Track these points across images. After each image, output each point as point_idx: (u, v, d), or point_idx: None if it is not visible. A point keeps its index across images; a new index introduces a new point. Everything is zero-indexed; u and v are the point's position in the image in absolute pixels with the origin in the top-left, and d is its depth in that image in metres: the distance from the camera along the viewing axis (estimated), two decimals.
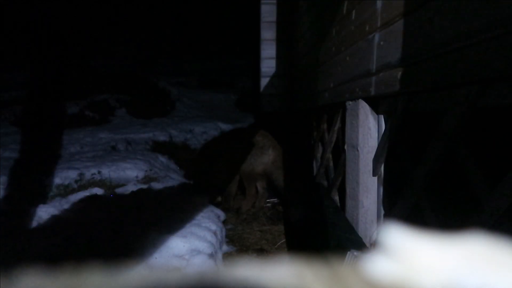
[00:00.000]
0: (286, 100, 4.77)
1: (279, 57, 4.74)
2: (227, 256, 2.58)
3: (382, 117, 1.81)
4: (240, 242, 2.81)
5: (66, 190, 3.44)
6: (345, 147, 2.10)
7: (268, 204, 3.56)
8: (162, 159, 4.48)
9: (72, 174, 3.61)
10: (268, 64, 4.78)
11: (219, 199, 3.47)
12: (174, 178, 3.96)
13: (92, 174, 3.70)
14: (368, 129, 1.85)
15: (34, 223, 2.60)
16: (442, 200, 1.68)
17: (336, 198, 2.46)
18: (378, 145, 1.80)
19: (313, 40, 3.07)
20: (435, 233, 0.25)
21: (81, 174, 3.65)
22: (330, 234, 1.81)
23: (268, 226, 3.11)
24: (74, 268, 0.22)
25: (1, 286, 0.21)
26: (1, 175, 3.42)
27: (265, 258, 2.55)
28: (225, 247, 2.70)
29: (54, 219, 2.65)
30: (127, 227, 2.47)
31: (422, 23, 1.22)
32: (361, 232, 1.83)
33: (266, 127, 4.58)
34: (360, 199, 1.86)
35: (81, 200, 3.11)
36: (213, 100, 7.38)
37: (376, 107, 1.80)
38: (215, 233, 2.56)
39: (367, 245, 1.71)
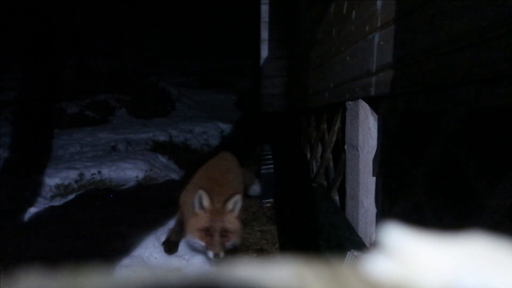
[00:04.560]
0: (286, 100, 4.77)
1: (279, 57, 4.74)
2: (227, 256, 2.57)
3: (382, 117, 1.81)
4: (240, 242, 2.81)
5: (66, 190, 3.44)
6: (345, 147, 2.10)
7: (268, 204, 3.56)
8: (162, 159, 4.48)
9: (72, 174, 3.61)
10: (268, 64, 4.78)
11: None
12: (174, 178, 3.97)
13: (92, 174, 3.70)
14: (368, 129, 1.85)
15: (34, 223, 2.60)
16: (442, 200, 1.68)
17: (336, 198, 2.46)
18: (378, 145, 1.80)
19: (313, 40, 3.07)
20: (435, 233, 0.25)
21: (81, 174, 3.65)
22: (330, 234, 1.81)
23: (268, 226, 3.10)
24: (74, 268, 0.22)
25: (1, 286, 0.21)
26: (1, 175, 3.42)
27: (265, 258, 2.55)
28: None
29: (54, 219, 2.65)
30: (127, 227, 2.47)
31: (422, 23, 1.22)
32: (361, 232, 1.83)
33: (265, 127, 4.56)
34: (360, 199, 1.86)
35: (81, 200, 3.11)
36: (213, 100, 7.38)
37: (376, 107, 1.80)
38: None
39: (367, 245, 1.71)
